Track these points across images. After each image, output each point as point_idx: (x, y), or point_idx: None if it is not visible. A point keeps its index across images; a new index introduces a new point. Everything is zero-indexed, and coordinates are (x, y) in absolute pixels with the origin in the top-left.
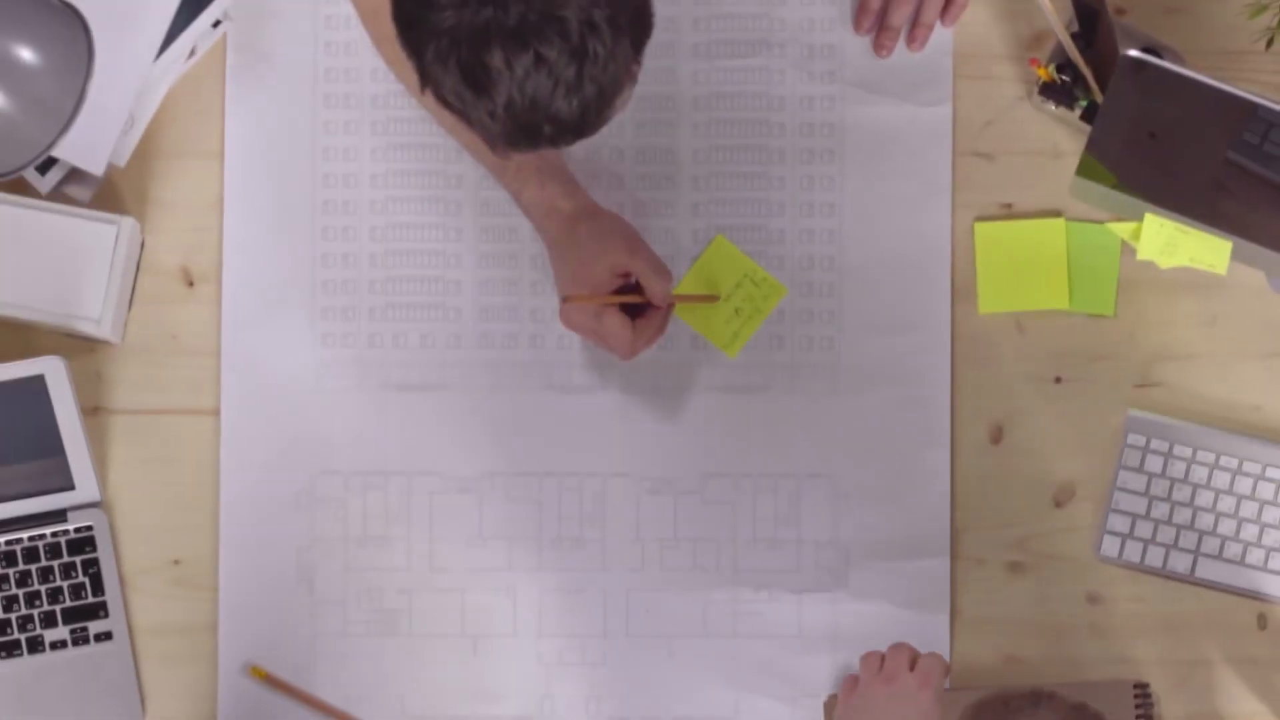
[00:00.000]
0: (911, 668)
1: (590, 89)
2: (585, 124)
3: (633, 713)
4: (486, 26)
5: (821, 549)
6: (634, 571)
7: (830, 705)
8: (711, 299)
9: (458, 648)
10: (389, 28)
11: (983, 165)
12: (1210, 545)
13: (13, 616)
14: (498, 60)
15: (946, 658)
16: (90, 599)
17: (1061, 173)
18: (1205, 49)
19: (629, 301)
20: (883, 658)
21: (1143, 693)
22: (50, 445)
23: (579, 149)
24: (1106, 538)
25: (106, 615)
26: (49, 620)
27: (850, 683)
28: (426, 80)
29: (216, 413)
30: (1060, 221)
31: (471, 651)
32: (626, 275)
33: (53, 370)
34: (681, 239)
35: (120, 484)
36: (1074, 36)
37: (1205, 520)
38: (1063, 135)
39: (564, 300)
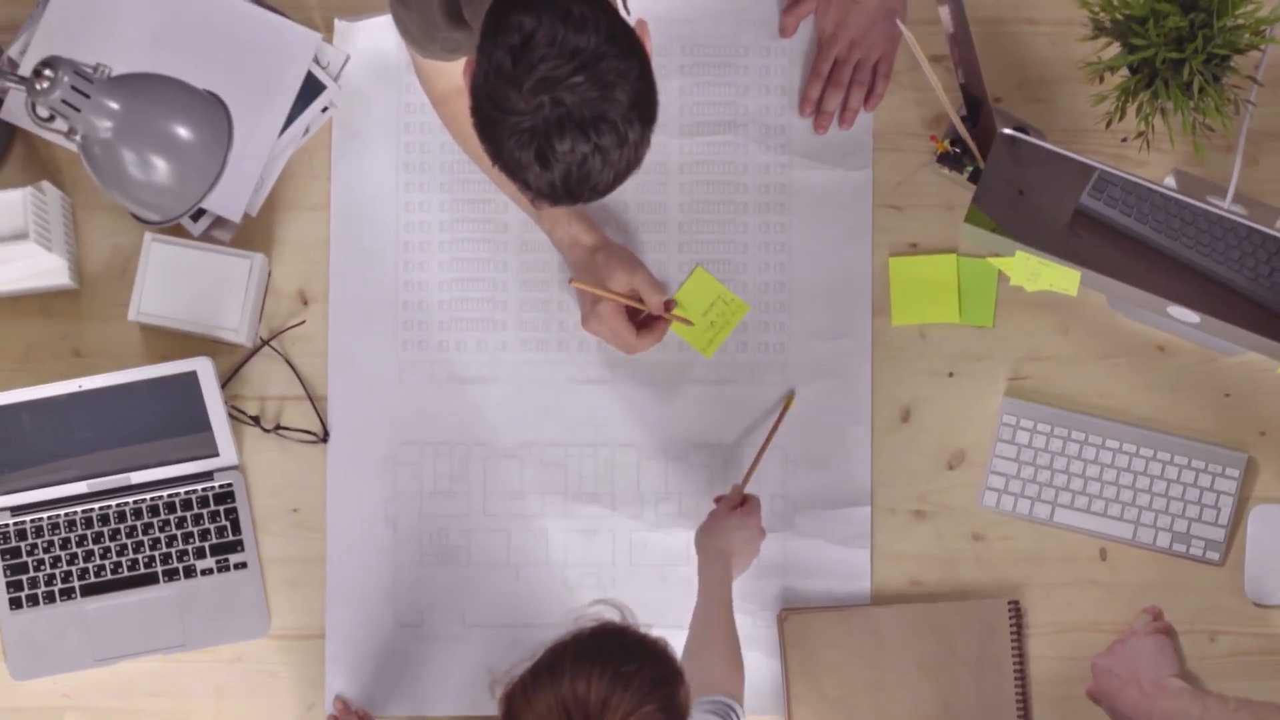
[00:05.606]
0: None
1: (622, 166)
2: (612, 190)
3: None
4: (560, 122)
5: (774, 500)
6: (635, 517)
7: (782, 619)
8: (687, 321)
9: (505, 574)
10: (454, 109)
11: (895, 215)
12: (1065, 498)
13: (173, 551)
14: (566, 145)
15: (868, 584)
16: (230, 538)
17: (954, 220)
18: (1061, 128)
19: (626, 304)
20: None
21: (1015, 608)
22: (200, 423)
23: (596, 201)
24: (987, 492)
25: (242, 550)
26: (200, 554)
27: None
28: (497, 158)
29: (325, 398)
30: (953, 256)
31: (515, 577)
32: (633, 291)
33: (202, 367)
34: (670, 269)
35: (253, 452)
36: (964, 118)
37: (1061, 479)
38: (955, 192)
39: (570, 282)
